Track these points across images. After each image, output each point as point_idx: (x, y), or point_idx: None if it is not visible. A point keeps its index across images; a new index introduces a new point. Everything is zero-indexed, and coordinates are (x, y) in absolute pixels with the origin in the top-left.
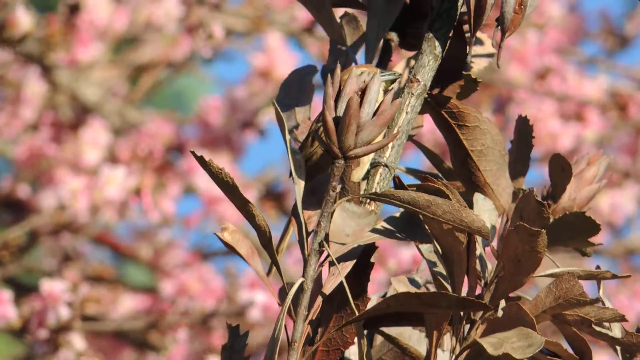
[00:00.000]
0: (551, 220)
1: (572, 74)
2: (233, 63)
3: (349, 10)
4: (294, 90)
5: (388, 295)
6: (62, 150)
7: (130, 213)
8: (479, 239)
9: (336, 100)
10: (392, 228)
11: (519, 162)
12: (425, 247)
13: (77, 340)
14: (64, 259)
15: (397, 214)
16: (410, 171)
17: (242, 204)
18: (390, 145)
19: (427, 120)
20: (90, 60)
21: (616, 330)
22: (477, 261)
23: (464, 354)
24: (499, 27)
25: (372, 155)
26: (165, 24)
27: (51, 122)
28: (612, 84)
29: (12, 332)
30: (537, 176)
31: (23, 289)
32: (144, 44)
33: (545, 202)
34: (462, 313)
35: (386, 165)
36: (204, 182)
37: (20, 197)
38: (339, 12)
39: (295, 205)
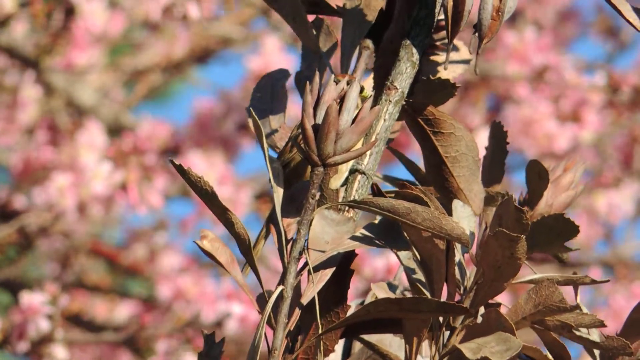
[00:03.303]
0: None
1: (570, 70)
2: (228, 66)
3: (321, 16)
4: (267, 95)
5: (367, 301)
6: (59, 153)
7: (117, 208)
8: (457, 245)
9: (315, 108)
10: (371, 235)
11: (494, 166)
12: (404, 254)
13: (59, 351)
14: (62, 265)
15: (376, 221)
16: (388, 178)
17: (221, 212)
18: (368, 152)
19: None
20: (86, 64)
21: (594, 335)
22: (456, 268)
23: None
24: (477, 34)
25: (350, 163)
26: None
27: (47, 125)
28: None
29: None
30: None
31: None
32: (141, 48)
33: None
34: (441, 319)
35: (364, 173)
36: None
37: (17, 208)
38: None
39: (274, 213)
